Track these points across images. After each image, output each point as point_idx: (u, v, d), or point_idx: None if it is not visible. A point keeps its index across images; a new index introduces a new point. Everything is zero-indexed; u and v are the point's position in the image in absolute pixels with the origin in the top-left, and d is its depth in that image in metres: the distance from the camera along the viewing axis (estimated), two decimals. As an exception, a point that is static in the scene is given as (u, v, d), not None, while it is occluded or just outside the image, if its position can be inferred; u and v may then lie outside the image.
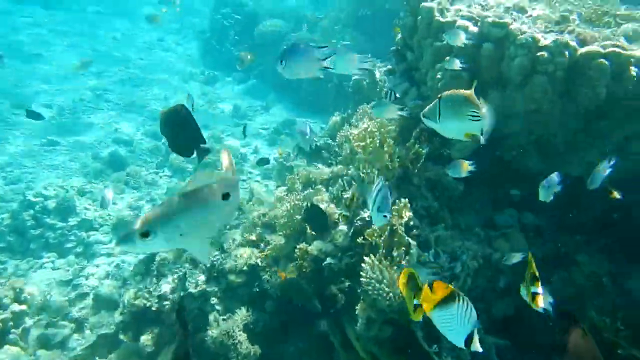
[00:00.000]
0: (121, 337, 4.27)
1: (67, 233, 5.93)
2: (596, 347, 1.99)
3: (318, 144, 6.23)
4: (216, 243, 4.49)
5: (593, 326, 2.89)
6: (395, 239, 3.07)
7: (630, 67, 2.84)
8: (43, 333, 4.72)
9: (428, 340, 3.06)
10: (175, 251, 4.41)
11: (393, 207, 3.18)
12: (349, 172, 3.97)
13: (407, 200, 3.20)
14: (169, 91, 10.86)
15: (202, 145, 2.47)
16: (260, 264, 3.81)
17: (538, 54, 2.89)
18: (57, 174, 7.46)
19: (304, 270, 3.51)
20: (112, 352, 4.31)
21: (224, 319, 3.79)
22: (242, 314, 3.74)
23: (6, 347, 4.48)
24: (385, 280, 2.88)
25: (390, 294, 2.87)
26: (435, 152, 3.44)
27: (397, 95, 3.71)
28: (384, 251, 3.07)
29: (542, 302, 1.95)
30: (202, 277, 3.95)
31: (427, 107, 2.02)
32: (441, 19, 3.36)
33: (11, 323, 4.68)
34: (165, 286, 4.12)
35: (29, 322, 4.82)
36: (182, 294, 4.09)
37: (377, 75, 5.68)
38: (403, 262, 3.00)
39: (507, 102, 3.06)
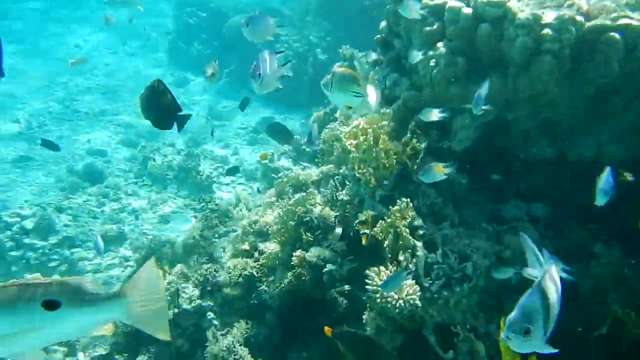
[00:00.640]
0: (116, 357, 4.00)
1: (48, 252, 5.63)
2: None
3: (302, 141, 6.02)
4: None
5: (617, 320, 2.72)
6: (400, 242, 2.86)
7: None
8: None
9: (442, 347, 2.87)
10: (163, 267, 4.15)
11: (395, 208, 2.96)
12: (341, 171, 3.74)
13: (408, 199, 2.99)
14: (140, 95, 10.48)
15: (180, 114, 2.64)
16: (256, 274, 3.56)
17: (542, 32, 2.69)
18: (32, 191, 7.11)
19: (302, 278, 3.28)
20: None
21: (222, 334, 3.55)
22: (241, 328, 3.51)
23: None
24: (394, 288, 2.66)
25: (400, 301, 2.66)
26: (434, 146, 3.23)
27: (387, 82, 3.50)
28: (389, 256, 2.86)
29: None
30: (196, 292, 3.69)
31: (325, 77, 2.44)
32: (429, 2, 3.14)
33: None
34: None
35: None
36: (176, 311, 3.83)
37: (357, 66, 5.44)
38: (410, 266, 2.80)
39: (510, 86, 2.86)
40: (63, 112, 9.74)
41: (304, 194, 3.64)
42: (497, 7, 2.82)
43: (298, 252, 3.31)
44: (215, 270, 3.74)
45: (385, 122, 3.29)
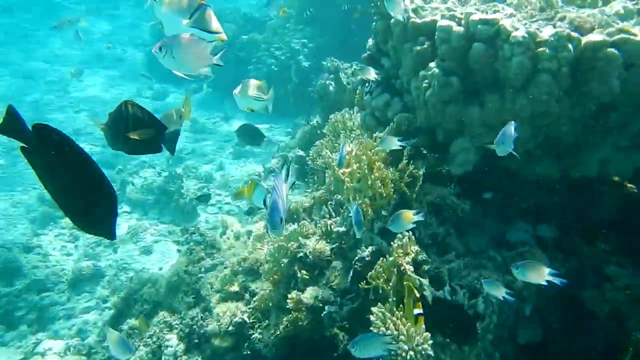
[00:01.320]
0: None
1: (14, 299, 5.17)
2: None
3: (290, 156, 5.80)
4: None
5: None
6: (405, 282, 2.66)
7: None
8: None
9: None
10: (143, 319, 3.89)
11: (396, 244, 2.76)
12: (335, 197, 3.53)
13: (410, 232, 2.78)
14: (117, 113, 10.15)
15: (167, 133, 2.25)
16: (248, 320, 3.33)
17: (538, 50, 2.50)
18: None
19: (300, 323, 3.06)
20: None
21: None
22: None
23: None
24: (402, 336, 2.46)
25: (411, 353, 2.45)
26: (431, 170, 3.03)
27: (373, 85, 3.31)
28: (394, 299, 2.65)
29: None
30: (182, 346, 3.44)
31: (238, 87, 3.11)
32: (417, 20, 2.93)
33: None
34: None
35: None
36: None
37: (343, 77, 5.23)
38: (417, 310, 2.59)
39: (508, 106, 2.66)
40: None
41: (296, 227, 3.42)
42: (490, 26, 2.62)
43: (293, 295, 3.09)
44: (202, 319, 3.49)
45: (379, 147, 3.07)
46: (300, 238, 3.35)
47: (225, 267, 3.98)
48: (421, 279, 2.68)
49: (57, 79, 11.55)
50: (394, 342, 2.38)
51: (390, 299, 2.63)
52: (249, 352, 3.25)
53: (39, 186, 7.56)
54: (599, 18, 2.65)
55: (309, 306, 3.06)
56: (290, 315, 3.07)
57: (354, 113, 4.53)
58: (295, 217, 3.80)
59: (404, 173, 3.01)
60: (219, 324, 3.37)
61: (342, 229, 3.31)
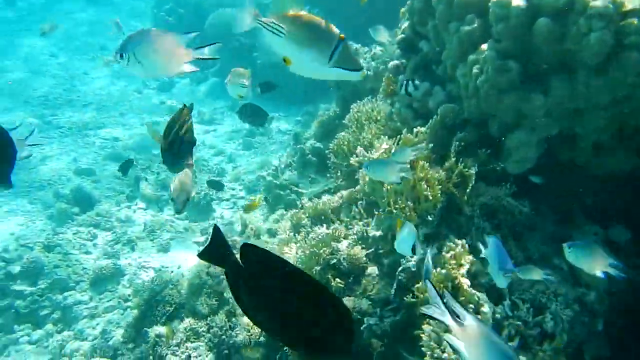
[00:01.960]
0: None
1: (38, 298, 5.01)
2: None
3: (307, 149, 5.44)
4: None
5: None
6: (461, 298, 2.32)
7: None
8: None
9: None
10: (170, 326, 3.60)
11: (448, 254, 2.42)
12: (368, 197, 3.19)
13: (463, 241, 2.44)
14: (123, 105, 9.83)
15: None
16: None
17: (624, 22, 2.12)
18: (18, 222, 6.48)
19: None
20: None
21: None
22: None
23: None
24: (463, 363, 2.12)
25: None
26: (483, 168, 2.67)
27: (416, 82, 2.91)
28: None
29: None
30: (211, 356, 3.16)
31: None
32: (464, -6, 2.56)
33: None
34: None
35: None
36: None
37: (362, 63, 4.82)
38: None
39: (581, 91, 2.29)
40: (45, 129, 9.06)
41: (328, 231, 3.08)
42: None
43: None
44: (231, 327, 3.19)
45: (422, 144, 2.72)
46: (332, 243, 3.02)
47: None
48: (478, 293, 2.35)
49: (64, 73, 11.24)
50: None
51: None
52: (281, 364, 2.94)
53: (54, 182, 7.29)
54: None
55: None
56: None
57: (376, 101, 4.17)
58: (323, 218, 3.46)
59: (451, 172, 2.65)
60: (249, 334, 3.07)
61: (378, 233, 2.98)
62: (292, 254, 3.30)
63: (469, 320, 1.37)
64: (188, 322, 3.42)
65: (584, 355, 2.59)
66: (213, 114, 9.34)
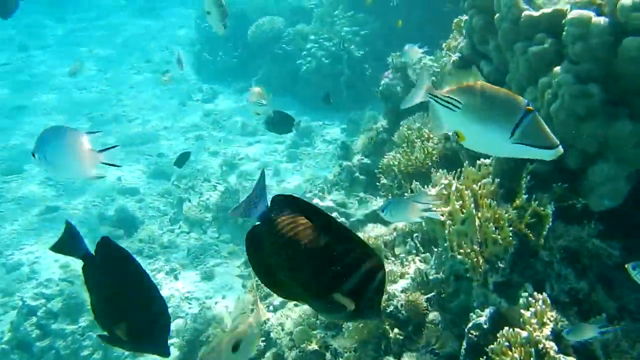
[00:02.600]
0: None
1: (79, 338, 4.87)
2: None
3: (354, 166, 5.17)
4: None
5: None
6: (545, 365, 2.00)
7: None
8: None
9: None
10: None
11: (528, 314, 2.09)
12: (424, 232, 2.89)
13: (545, 294, 2.11)
14: (168, 119, 9.77)
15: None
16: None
17: None
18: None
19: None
20: None
21: None
22: None
23: None
24: None
25: None
26: (559, 205, 2.33)
27: None
28: (532, 390, 2.00)
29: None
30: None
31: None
32: (534, 13, 2.22)
33: None
34: None
35: None
36: None
37: (412, 75, 4.51)
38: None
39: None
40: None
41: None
42: (654, 11, 1.88)
43: (386, 362, 2.49)
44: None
45: (485, 179, 2.39)
46: (389, 288, 2.73)
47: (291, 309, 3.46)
48: (567, 358, 2.01)
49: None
50: None
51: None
52: None
53: (99, 203, 7.23)
54: None
55: (409, 381, 2.45)
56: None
57: (428, 118, 3.86)
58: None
59: (523, 211, 2.32)
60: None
61: (440, 275, 2.67)
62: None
63: None
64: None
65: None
66: (257, 125, 9.16)
